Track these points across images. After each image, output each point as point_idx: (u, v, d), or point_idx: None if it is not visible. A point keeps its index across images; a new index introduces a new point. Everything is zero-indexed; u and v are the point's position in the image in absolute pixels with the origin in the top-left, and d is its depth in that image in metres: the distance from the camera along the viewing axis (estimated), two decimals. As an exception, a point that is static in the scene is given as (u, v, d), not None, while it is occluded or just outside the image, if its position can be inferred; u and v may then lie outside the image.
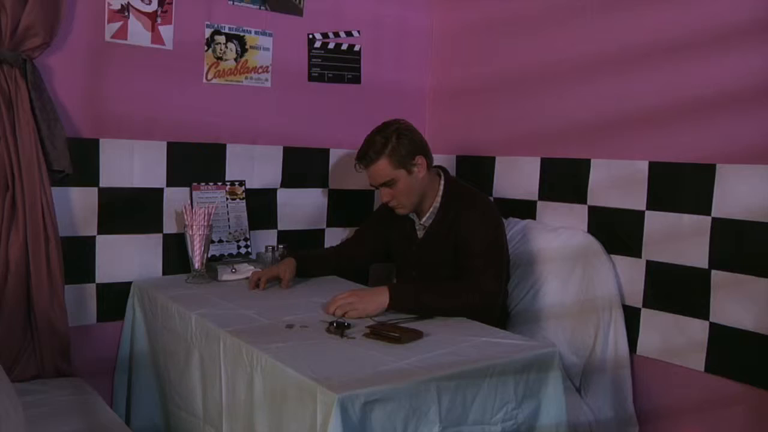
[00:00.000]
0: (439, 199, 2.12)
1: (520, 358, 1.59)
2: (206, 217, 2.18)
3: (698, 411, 1.83)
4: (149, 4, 2.20)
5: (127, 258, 2.24)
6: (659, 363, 2.04)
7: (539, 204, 2.41)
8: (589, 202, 2.24)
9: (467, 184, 2.21)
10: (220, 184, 2.42)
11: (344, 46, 2.66)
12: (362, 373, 1.41)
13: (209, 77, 2.36)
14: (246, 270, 2.27)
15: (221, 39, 2.37)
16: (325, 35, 2.61)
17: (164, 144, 2.29)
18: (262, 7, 2.44)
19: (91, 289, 2.20)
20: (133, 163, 2.23)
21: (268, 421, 1.49)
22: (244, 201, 2.46)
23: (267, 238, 2.53)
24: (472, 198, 2.12)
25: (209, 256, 2.26)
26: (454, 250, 2.05)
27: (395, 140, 2.05)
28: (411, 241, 2.19)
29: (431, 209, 2.13)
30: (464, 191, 2.14)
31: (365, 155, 2.08)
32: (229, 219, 2.43)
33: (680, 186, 1.99)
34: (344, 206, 2.72)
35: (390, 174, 2.05)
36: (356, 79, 2.70)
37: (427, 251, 2.15)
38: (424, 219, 2.15)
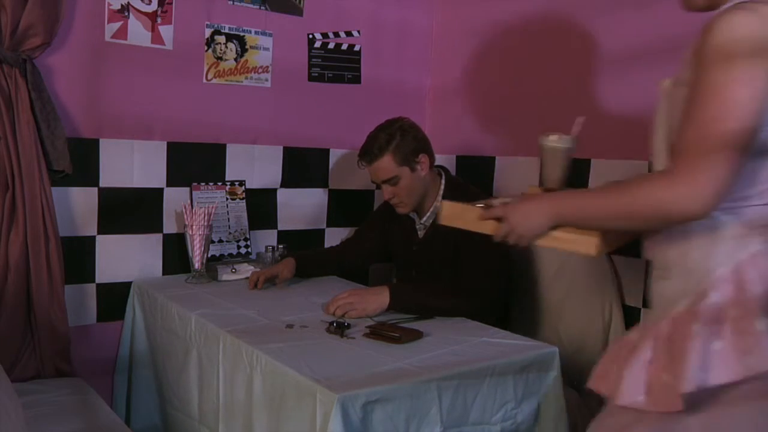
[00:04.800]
0: (440, 198, 2.12)
1: (520, 358, 1.59)
2: (206, 217, 2.18)
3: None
4: (149, 4, 2.20)
5: (127, 258, 2.24)
6: (659, 363, 2.04)
7: (539, 204, 2.41)
8: (589, 202, 2.24)
9: (468, 184, 2.22)
10: (220, 184, 2.42)
11: (344, 46, 2.66)
12: (362, 373, 1.41)
13: (209, 77, 2.36)
14: (246, 270, 2.27)
15: (221, 39, 2.37)
16: (325, 35, 2.61)
17: (164, 144, 2.29)
18: (262, 7, 2.44)
19: (91, 289, 2.20)
20: (132, 163, 2.23)
21: (267, 422, 1.49)
22: (244, 201, 2.46)
23: (267, 238, 2.53)
24: (473, 198, 2.12)
25: (209, 256, 2.26)
26: (455, 249, 2.05)
27: (399, 137, 2.05)
28: (411, 241, 2.19)
29: (432, 208, 2.13)
30: (465, 191, 2.15)
31: (369, 152, 2.07)
32: (229, 219, 2.43)
33: (680, 186, 1.98)
34: (344, 206, 2.72)
35: (393, 171, 2.05)
36: (356, 79, 2.70)
37: (427, 250, 2.15)
38: (424, 218, 2.15)
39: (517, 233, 1.30)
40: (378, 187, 2.14)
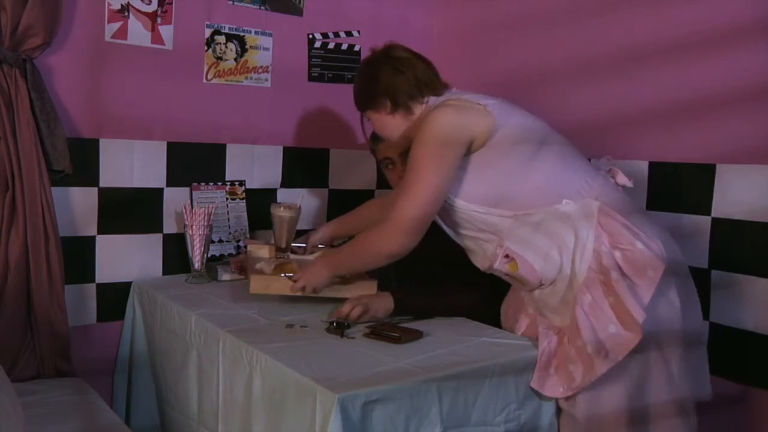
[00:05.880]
0: None
1: (520, 358, 1.59)
2: (206, 217, 2.18)
3: (698, 411, 1.83)
4: (149, 4, 2.20)
5: (127, 258, 2.24)
6: (659, 363, 2.04)
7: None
8: (589, 202, 2.24)
9: None
10: (220, 184, 2.42)
11: (344, 46, 2.66)
12: (362, 373, 1.41)
13: (209, 77, 2.36)
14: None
15: (221, 39, 2.37)
16: (325, 35, 2.61)
17: (164, 144, 2.29)
18: (262, 7, 2.44)
19: (91, 289, 2.20)
20: (133, 163, 2.23)
21: (266, 422, 1.49)
22: (244, 201, 2.46)
23: (267, 238, 2.53)
24: None
25: (209, 256, 2.26)
26: (455, 247, 2.05)
27: None
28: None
29: None
30: None
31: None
32: (229, 219, 2.43)
33: (680, 186, 1.99)
34: (344, 206, 2.71)
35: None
36: (356, 79, 2.70)
37: (427, 246, 2.14)
38: None
39: (311, 287, 1.77)
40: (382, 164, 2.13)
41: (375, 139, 2.14)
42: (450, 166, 1.60)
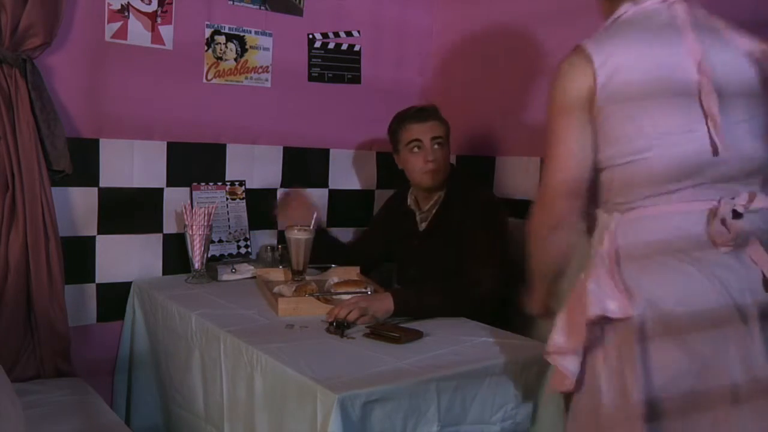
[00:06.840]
0: (445, 189, 2.15)
1: (519, 358, 1.59)
2: (206, 217, 2.18)
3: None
4: (149, 4, 2.20)
5: (127, 258, 2.24)
6: (659, 363, 2.04)
7: (539, 204, 2.41)
8: (589, 202, 2.24)
9: (471, 180, 2.23)
10: (220, 184, 2.42)
11: (344, 46, 2.66)
12: (362, 373, 1.41)
13: (209, 77, 2.36)
14: (246, 270, 2.27)
15: (221, 39, 2.37)
16: (325, 35, 2.61)
17: (164, 144, 2.29)
18: (262, 7, 2.44)
19: (91, 289, 2.20)
20: (133, 163, 2.23)
21: (269, 421, 1.49)
22: (244, 201, 2.46)
23: (267, 238, 2.53)
24: (475, 193, 2.14)
25: (209, 256, 2.26)
26: (454, 245, 2.05)
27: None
28: (412, 236, 2.20)
29: (437, 197, 2.16)
30: (468, 186, 2.17)
31: (426, 109, 2.17)
32: (229, 219, 2.43)
33: (680, 186, 1.98)
34: (344, 206, 2.71)
35: (444, 134, 2.16)
36: (356, 79, 2.70)
37: (428, 244, 2.16)
38: (427, 207, 2.17)
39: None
40: (415, 148, 2.13)
41: (401, 120, 2.16)
42: (576, 129, 1.39)
